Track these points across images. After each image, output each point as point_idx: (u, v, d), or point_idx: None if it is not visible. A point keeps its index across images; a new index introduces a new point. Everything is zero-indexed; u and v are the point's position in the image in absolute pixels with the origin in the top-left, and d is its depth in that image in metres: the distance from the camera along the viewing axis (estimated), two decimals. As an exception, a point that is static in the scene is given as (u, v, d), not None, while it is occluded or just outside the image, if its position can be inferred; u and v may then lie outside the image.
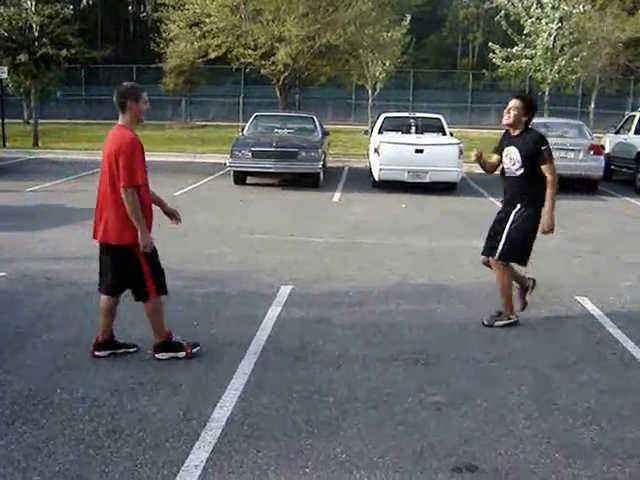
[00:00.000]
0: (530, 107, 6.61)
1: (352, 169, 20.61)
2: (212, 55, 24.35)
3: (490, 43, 27.94)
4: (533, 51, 25.84)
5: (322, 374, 5.54)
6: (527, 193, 6.61)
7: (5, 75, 26.37)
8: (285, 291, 7.76)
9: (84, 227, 11.10)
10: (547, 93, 27.13)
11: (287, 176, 16.81)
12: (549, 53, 25.58)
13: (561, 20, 25.06)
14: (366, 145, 20.27)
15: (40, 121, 28.16)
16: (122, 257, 5.56)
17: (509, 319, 6.82)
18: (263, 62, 23.92)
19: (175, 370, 5.54)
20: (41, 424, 4.59)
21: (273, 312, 7.02)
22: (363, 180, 17.44)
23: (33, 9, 25.74)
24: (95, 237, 5.66)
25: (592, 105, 33.30)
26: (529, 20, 25.56)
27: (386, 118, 18.16)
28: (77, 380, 5.30)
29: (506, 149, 6.70)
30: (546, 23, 25.14)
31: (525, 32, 26.00)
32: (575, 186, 16.93)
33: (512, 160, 6.63)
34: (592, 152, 16.91)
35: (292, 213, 13.12)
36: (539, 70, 26.14)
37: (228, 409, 4.86)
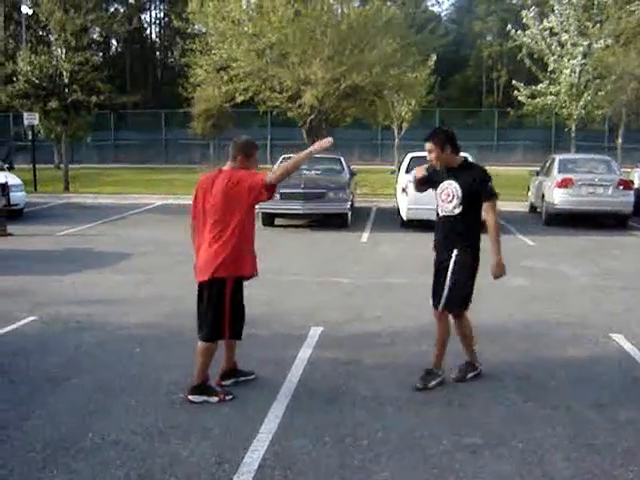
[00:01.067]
0: (443, 140, 5.96)
1: (380, 209, 20.61)
2: (239, 99, 24.61)
3: (514, 81, 27.97)
4: (558, 87, 25.82)
5: (354, 416, 5.47)
6: (463, 234, 6.01)
7: (36, 121, 26.88)
8: (315, 332, 7.72)
9: (114, 271, 11.22)
10: (573, 129, 27.04)
11: (315, 217, 16.84)
12: (574, 89, 25.55)
13: (585, 56, 25.07)
14: (393, 185, 20.30)
15: (70, 166, 28.58)
16: (212, 289, 5.68)
17: (477, 369, 6.38)
18: (290, 105, 24.14)
19: (206, 413, 5.50)
20: (72, 469, 4.57)
21: (304, 354, 6.98)
22: (391, 220, 17.43)
23: (63, 57, 26.29)
24: (197, 278, 5.79)
25: (619, 140, 33.11)
26: (552, 57, 25.60)
27: (413, 158, 18.16)
28: (108, 424, 5.28)
29: (443, 184, 6.04)
30: (568, 60, 25.17)
31: (549, 69, 26.02)
32: (605, 222, 16.81)
33: (450, 196, 5.97)
34: (621, 187, 16.79)
35: (320, 254, 13.11)
36: (564, 106, 26.09)
37: (260, 453, 4.80)
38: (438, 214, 6.17)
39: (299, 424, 5.31)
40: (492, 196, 5.99)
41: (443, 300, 6.05)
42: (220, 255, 5.62)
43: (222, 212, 5.62)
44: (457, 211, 5.97)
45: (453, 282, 6.00)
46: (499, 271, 6.11)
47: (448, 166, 6.05)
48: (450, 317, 6.24)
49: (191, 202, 5.98)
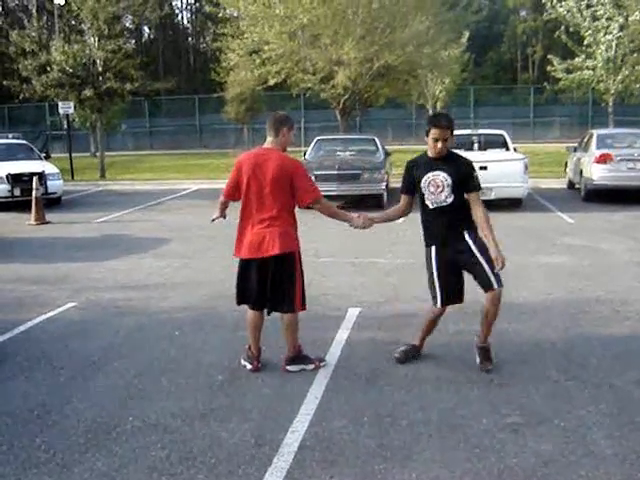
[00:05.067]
0: (453, 129, 5.87)
1: (415, 189, 20.43)
2: (272, 82, 24.59)
3: (549, 56, 27.58)
4: (594, 62, 25.41)
5: (394, 397, 5.45)
6: (463, 219, 5.86)
7: (72, 110, 27.10)
8: (353, 313, 7.71)
9: (152, 256, 11.29)
10: (611, 104, 26.62)
11: (350, 198, 16.78)
12: (611, 63, 25.12)
13: (622, 29, 24.62)
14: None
15: (106, 154, 28.80)
16: (285, 265, 5.82)
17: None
18: (322, 86, 24.07)
19: (246, 395, 5.52)
20: (114, 452, 4.61)
21: (342, 335, 6.97)
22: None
23: (96, 45, 26.43)
24: (261, 253, 5.79)
25: (659, 114, 32.57)
26: (588, 31, 25.17)
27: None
28: (149, 407, 5.32)
29: (428, 176, 5.83)
30: (604, 34, 24.73)
31: (585, 43, 25.60)
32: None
33: (439, 187, 5.78)
34: (662, 162, 16.45)
35: (357, 235, 12.98)
36: (601, 81, 25.67)
37: (300, 434, 4.81)
38: (428, 207, 5.92)
39: (338, 405, 5.30)
40: (478, 187, 5.85)
41: (493, 278, 5.80)
42: (288, 231, 5.86)
43: (278, 195, 5.79)
44: (450, 200, 5.80)
45: (486, 259, 5.77)
46: (503, 260, 5.74)
47: (438, 156, 5.86)
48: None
49: (222, 186, 6.03)
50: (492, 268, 5.77)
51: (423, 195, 5.93)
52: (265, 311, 6.06)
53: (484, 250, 5.81)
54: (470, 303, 7.60)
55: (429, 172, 5.85)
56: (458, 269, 5.97)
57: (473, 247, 5.82)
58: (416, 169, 5.99)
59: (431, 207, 5.90)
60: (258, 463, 4.42)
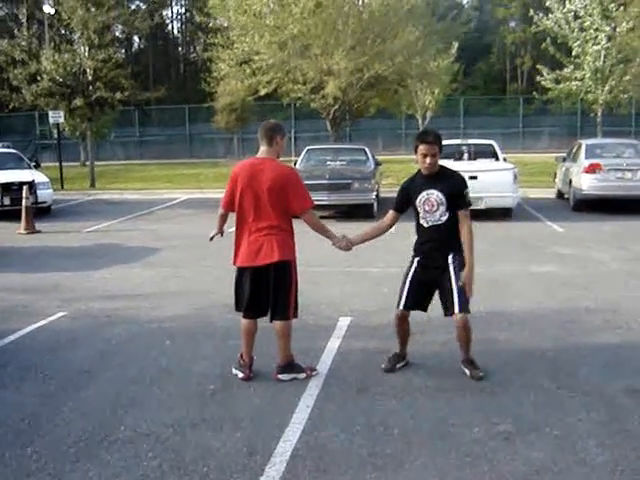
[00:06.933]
0: (441, 142, 5.89)
1: (405, 198, 20.45)
2: (262, 92, 24.63)
3: (538, 65, 27.75)
4: (582, 72, 25.56)
5: (385, 405, 5.45)
6: (454, 240, 5.92)
7: (62, 119, 27.07)
8: (344, 323, 7.71)
9: (142, 265, 11.27)
10: (599, 114, 26.77)
11: (341, 208, 16.79)
12: (599, 74, 25.28)
13: (609, 39, 24.79)
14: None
15: (96, 163, 28.76)
16: (283, 273, 5.91)
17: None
18: (313, 96, 24.14)
19: (237, 405, 5.51)
20: (106, 461, 4.60)
21: (333, 344, 6.97)
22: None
23: (86, 54, 26.43)
24: (259, 261, 5.84)
25: (647, 124, 32.75)
26: (576, 42, 25.34)
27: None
28: (140, 417, 5.31)
29: (422, 194, 5.91)
30: (592, 45, 24.90)
31: (574, 54, 25.76)
32: (633, 207, 16.59)
33: (434, 205, 5.87)
34: (651, 171, 16.53)
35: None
36: (590, 91, 25.82)
37: (292, 443, 4.80)
38: (423, 226, 6.04)
39: (330, 414, 5.31)
40: (468, 205, 5.96)
41: (457, 304, 5.83)
42: (286, 240, 5.99)
43: (275, 204, 5.82)
44: (444, 219, 5.90)
45: (459, 286, 5.84)
46: (472, 276, 5.86)
47: (431, 173, 5.94)
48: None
49: (222, 195, 6.07)
50: (461, 295, 5.84)
51: (418, 214, 6.03)
52: (256, 320, 6.07)
53: (460, 272, 5.88)
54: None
55: (423, 191, 5.94)
56: (430, 286, 6.09)
57: (451, 269, 5.90)
58: (411, 188, 6.08)
59: (426, 226, 6.01)
60: (250, 472, 4.41)
